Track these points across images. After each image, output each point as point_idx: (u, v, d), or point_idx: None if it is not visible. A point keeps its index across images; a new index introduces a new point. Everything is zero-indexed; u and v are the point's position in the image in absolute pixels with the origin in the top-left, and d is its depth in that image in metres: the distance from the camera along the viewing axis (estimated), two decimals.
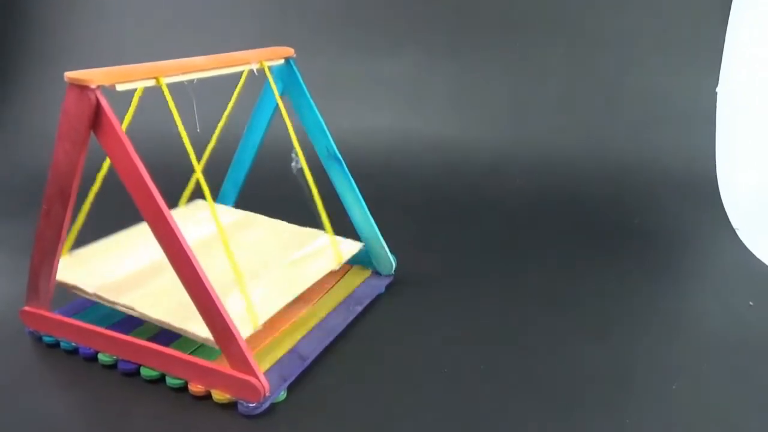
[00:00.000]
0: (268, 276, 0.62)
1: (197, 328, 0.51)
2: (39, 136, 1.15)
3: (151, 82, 0.51)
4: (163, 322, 0.53)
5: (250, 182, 0.78)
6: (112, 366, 0.56)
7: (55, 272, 0.56)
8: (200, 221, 0.73)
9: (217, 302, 0.48)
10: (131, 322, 0.58)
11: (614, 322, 0.67)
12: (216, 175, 0.76)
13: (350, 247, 0.70)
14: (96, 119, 0.47)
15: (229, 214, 0.76)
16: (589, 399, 0.54)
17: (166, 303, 0.55)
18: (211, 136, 0.70)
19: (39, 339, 0.60)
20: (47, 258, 0.55)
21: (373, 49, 1.18)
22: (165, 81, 0.51)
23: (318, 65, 0.69)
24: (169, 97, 0.50)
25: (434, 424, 0.51)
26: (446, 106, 1.17)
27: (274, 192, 0.92)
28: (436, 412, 0.52)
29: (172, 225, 0.47)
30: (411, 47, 1.17)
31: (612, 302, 0.71)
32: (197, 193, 0.74)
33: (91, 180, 0.58)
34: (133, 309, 0.54)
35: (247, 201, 0.79)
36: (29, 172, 1.09)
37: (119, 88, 0.48)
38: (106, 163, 0.59)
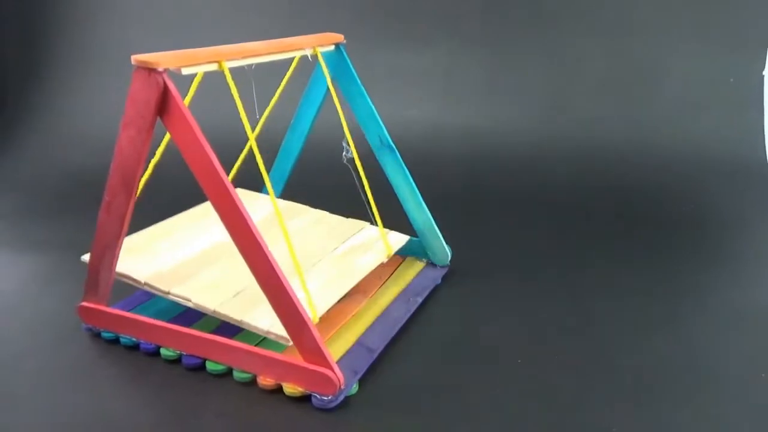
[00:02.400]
0: (319, 268, 0.60)
1: (257, 319, 0.49)
2: (73, 138, 1.15)
3: (213, 67, 0.49)
4: (220, 314, 0.51)
5: (297, 171, 0.76)
6: (176, 361, 0.54)
7: (116, 266, 0.54)
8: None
9: (289, 291, 0.46)
10: (193, 315, 0.57)
11: (683, 312, 0.64)
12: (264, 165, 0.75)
13: (398, 239, 0.68)
14: (163, 103, 0.45)
15: (270, 203, 0.74)
16: (673, 389, 0.52)
17: (223, 293, 0.54)
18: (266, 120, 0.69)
19: (97, 335, 0.59)
20: (108, 251, 0.53)
21: (407, 39, 1.16)
22: (226, 65, 0.50)
23: (351, 56, 0.67)
24: (231, 83, 0.49)
25: (516, 415, 0.49)
26: (482, 96, 1.15)
27: (322, 182, 0.90)
28: (516, 402, 0.50)
29: (242, 211, 0.46)
30: (446, 37, 1.15)
31: (675, 292, 0.68)
32: (244, 177, 0.73)
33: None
34: (189, 300, 0.52)
35: (294, 190, 0.78)
36: (63, 174, 1.08)
37: (185, 71, 0.46)
38: (159, 150, 0.58)
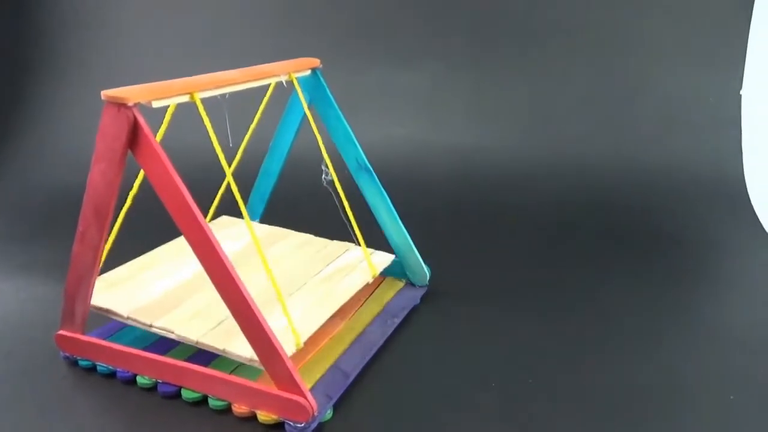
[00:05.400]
0: (303, 292, 0.61)
1: (240, 348, 0.50)
2: (57, 160, 1.15)
3: (185, 98, 0.50)
4: (204, 344, 0.52)
5: (277, 195, 0.77)
6: (152, 389, 0.55)
7: (91, 295, 0.55)
8: (224, 239, 0.72)
9: (261, 320, 0.47)
10: (169, 343, 0.57)
11: (659, 332, 0.65)
12: (243, 190, 0.75)
13: (383, 259, 0.69)
14: (133, 137, 0.46)
15: (254, 228, 0.74)
16: (647, 411, 0.52)
17: (205, 323, 0.54)
18: (241, 150, 0.69)
19: (74, 363, 0.59)
20: (83, 280, 0.53)
21: (392, 60, 1.17)
22: (199, 96, 0.51)
23: (336, 77, 0.68)
24: (204, 114, 0.49)
25: None
26: (466, 115, 1.16)
27: (302, 205, 0.91)
28: (491, 426, 0.50)
29: (214, 243, 0.46)
30: (430, 57, 1.16)
31: (653, 311, 0.69)
32: (226, 205, 0.74)
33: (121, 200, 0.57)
34: (171, 332, 0.53)
35: (274, 215, 0.78)
36: (48, 195, 1.08)
37: (156, 104, 0.47)
38: (137, 182, 0.58)
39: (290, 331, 0.52)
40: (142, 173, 0.58)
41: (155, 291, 0.59)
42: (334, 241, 0.73)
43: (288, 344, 0.51)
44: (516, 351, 0.61)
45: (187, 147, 0.92)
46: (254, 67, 0.60)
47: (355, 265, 0.67)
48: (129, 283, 0.61)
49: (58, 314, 0.59)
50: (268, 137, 0.73)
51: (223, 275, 0.47)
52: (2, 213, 1.01)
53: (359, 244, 0.67)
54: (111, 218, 0.50)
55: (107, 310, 0.56)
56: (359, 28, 1.18)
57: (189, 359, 0.55)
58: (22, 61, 1.21)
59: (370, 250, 0.70)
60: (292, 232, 0.75)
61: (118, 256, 0.63)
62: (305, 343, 0.54)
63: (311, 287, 0.62)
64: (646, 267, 0.80)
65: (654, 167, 1.07)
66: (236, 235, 0.73)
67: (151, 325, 0.54)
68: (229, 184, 0.52)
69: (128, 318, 0.55)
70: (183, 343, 0.56)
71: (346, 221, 0.66)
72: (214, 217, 0.76)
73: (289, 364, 0.48)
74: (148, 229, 0.74)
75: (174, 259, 0.66)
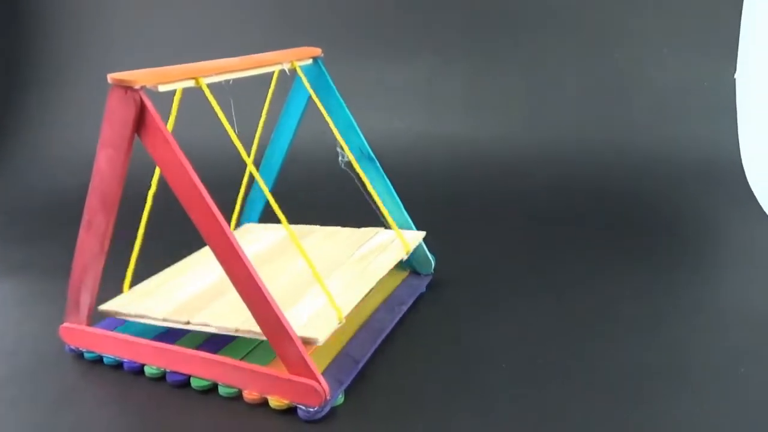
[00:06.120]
0: (340, 272, 0.61)
1: None
2: (53, 159, 1.15)
3: (190, 83, 0.50)
4: (243, 331, 0.51)
5: (277, 188, 0.76)
6: (160, 378, 0.54)
7: (97, 286, 0.54)
8: (252, 242, 0.72)
9: (271, 302, 0.46)
10: (176, 332, 0.57)
11: (662, 315, 0.65)
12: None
13: (414, 236, 0.69)
14: (140, 121, 0.45)
15: (281, 229, 0.74)
16: (652, 390, 0.52)
17: (239, 315, 0.53)
18: (245, 137, 0.69)
19: (80, 356, 0.58)
20: (89, 271, 0.53)
21: (388, 53, 1.18)
22: (204, 82, 0.50)
23: (333, 70, 0.68)
24: (211, 98, 0.49)
25: (502, 423, 0.49)
26: (463, 107, 1.17)
27: (304, 194, 0.91)
28: (502, 408, 0.50)
29: (221, 222, 0.46)
30: (426, 50, 1.17)
31: (653, 294, 0.69)
32: (229, 201, 0.73)
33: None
34: (209, 325, 0.52)
35: (278, 204, 0.78)
36: (45, 196, 1.07)
37: (162, 89, 0.47)
38: (155, 180, 0.58)
39: (331, 307, 0.52)
40: (158, 171, 0.57)
41: (185, 295, 0.59)
42: (363, 228, 0.72)
43: (330, 319, 0.51)
44: (521, 335, 0.61)
45: (187, 142, 0.92)
46: (257, 54, 0.59)
47: (386, 245, 0.67)
48: (160, 291, 0.60)
49: (60, 311, 0.58)
50: (268, 127, 0.73)
51: (231, 256, 0.46)
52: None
53: (386, 226, 0.67)
54: (117, 206, 0.50)
55: (142, 316, 0.56)
56: (356, 23, 1.18)
57: (198, 348, 0.54)
58: (17, 62, 1.20)
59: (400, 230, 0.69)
60: (319, 226, 0.75)
61: (145, 262, 0.62)
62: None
63: (347, 267, 0.62)
64: (645, 252, 0.81)
65: (652, 154, 1.08)
66: (265, 237, 0.73)
67: (188, 322, 0.53)
68: (239, 167, 0.51)
69: (164, 320, 0.54)
70: (192, 332, 0.55)
71: (370, 201, 0.66)
72: (237, 222, 0.77)
73: (301, 347, 0.47)
74: (172, 228, 0.73)
75: (200, 266, 0.66)
